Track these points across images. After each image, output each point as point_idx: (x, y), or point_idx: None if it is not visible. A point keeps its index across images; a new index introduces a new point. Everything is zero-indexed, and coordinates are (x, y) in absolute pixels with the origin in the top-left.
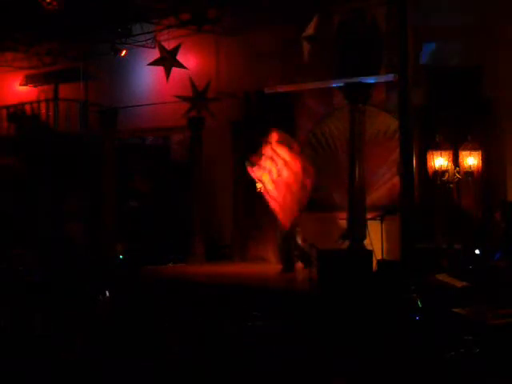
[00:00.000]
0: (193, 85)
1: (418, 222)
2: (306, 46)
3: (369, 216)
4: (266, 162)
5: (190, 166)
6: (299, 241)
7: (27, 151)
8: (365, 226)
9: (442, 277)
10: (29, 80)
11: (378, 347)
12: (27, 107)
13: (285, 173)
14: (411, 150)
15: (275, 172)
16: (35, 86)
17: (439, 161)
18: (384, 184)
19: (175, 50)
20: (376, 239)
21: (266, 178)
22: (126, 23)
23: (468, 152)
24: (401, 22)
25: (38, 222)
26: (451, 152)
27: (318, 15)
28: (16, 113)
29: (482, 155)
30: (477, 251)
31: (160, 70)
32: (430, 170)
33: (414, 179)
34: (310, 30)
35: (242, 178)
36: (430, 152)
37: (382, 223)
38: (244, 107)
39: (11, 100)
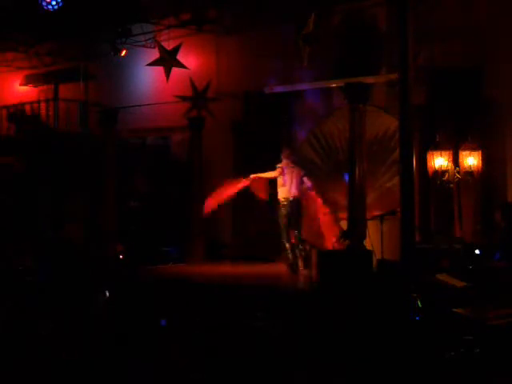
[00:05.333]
0: (193, 85)
1: (418, 222)
2: (303, 46)
3: (369, 216)
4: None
5: (189, 166)
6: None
7: (27, 151)
8: (365, 226)
9: (442, 277)
10: (29, 80)
11: (378, 347)
12: (27, 107)
13: None
14: (411, 150)
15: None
16: (35, 86)
17: (439, 161)
18: (384, 184)
19: (175, 50)
20: (376, 239)
21: None
22: (126, 23)
23: (468, 152)
24: (401, 22)
25: (37, 222)
26: (451, 152)
27: (315, 14)
28: (16, 113)
29: (481, 155)
30: (477, 251)
31: (160, 69)
32: (430, 170)
33: (413, 179)
34: (306, 29)
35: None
36: (430, 152)
37: (382, 223)
38: (244, 107)
39: (11, 100)
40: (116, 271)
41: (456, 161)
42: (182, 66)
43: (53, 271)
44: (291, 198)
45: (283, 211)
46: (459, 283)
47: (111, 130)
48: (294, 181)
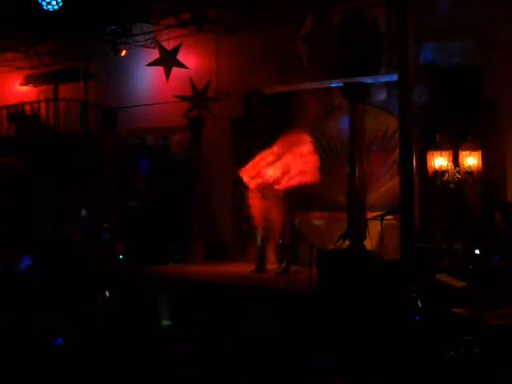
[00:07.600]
0: (193, 85)
1: (417, 222)
2: (302, 47)
3: (369, 216)
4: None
5: (189, 166)
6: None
7: (27, 151)
8: (365, 226)
9: (442, 277)
10: (29, 80)
11: (378, 347)
12: (27, 107)
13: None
14: (411, 150)
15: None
16: (35, 86)
17: (439, 161)
18: (384, 184)
19: (175, 50)
20: (376, 239)
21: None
22: (126, 23)
23: (468, 152)
24: (401, 21)
25: (37, 222)
26: (451, 152)
27: (313, 14)
28: (16, 113)
29: (481, 155)
30: (477, 251)
31: (160, 69)
32: (430, 170)
33: (413, 179)
34: (305, 30)
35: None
36: (430, 152)
37: (382, 223)
38: (244, 107)
39: (11, 100)
40: (116, 271)
41: (456, 161)
42: (182, 65)
43: (53, 271)
44: None
45: None
46: (459, 283)
47: (111, 130)
48: None
